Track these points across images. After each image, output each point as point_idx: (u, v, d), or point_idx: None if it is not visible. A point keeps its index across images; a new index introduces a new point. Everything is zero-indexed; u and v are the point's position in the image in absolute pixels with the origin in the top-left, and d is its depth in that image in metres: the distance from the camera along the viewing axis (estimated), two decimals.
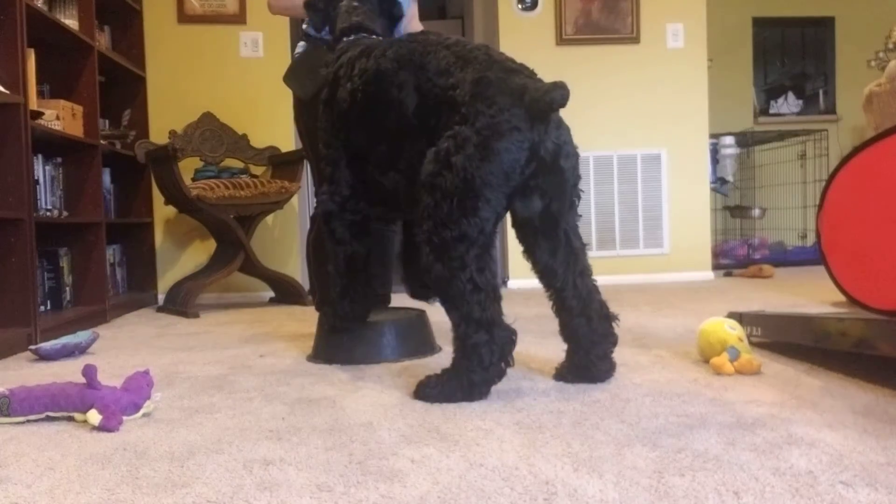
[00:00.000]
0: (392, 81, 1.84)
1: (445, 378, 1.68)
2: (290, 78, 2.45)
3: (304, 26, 2.48)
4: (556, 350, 2.28)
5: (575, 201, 1.78)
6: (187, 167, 3.86)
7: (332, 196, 2.06)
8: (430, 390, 1.68)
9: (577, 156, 1.77)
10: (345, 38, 2.10)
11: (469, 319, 1.63)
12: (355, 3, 2.15)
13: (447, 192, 1.63)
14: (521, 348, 2.33)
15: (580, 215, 1.83)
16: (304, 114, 2.48)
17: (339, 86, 1.98)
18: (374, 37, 2.09)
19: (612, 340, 1.83)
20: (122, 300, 3.73)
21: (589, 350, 1.80)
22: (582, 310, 1.79)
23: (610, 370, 1.85)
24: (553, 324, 2.69)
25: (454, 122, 1.67)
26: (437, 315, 2.91)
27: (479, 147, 1.61)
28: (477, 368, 1.63)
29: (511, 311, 3.23)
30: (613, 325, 1.84)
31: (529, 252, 1.82)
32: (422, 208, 1.67)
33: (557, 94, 1.62)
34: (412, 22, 2.57)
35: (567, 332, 1.83)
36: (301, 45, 2.51)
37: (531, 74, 1.75)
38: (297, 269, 4.22)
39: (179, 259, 4.25)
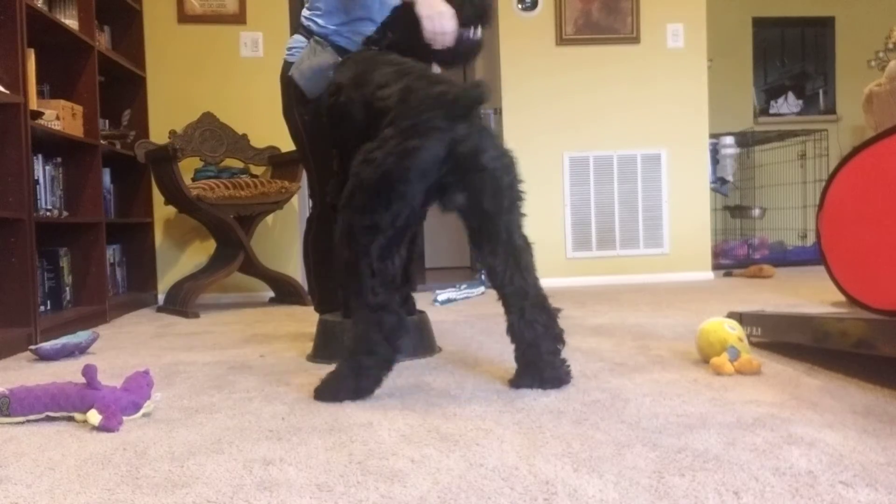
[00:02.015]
0: (349, 95, 2.03)
1: (339, 366, 1.74)
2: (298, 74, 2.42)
3: (304, 21, 2.45)
4: None
5: (516, 202, 1.82)
6: (187, 167, 3.86)
7: (334, 185, 2.20)
8: (322, 384, 1.74)
9: (506, 156, 1.80)
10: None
11: (364, 303, 1.71)
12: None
13: (365, 183, 1.72)
14: None
15: (524, 214, 1.84)
16: (305, 112, 2.46)
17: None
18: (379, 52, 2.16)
19: (553, 335, 1.79)
20: (122, 300, 3.73)
21: (530, 345, 1.78)
22: (519, 306, 1.79)
23: (558, 368, 1.78)
24: None
25: (384, 126, 1.80)
26: (438, 315, 2.91)
27: (399, 144, 1.70)
28: (364, 350, 1.69)
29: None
30: (556, 319, 1.81)
31: (476, 253, 1.87)
32: (342, 197, 1.78)
33: (477, 92, 1.71)
34: None
35: (509, 330, 1.82)
36: (298, 39, 2.47)
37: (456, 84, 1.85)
38: (297, 269, 4.22)
39: (179, 259, 4.25)
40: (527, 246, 1.84)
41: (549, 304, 1.82)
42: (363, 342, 1.71)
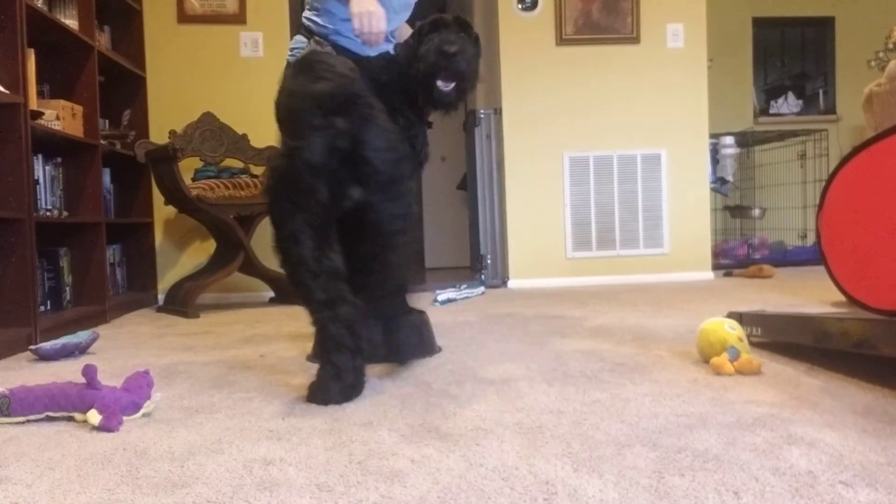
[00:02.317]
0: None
1: (319, 373, 1.75)
2: None
3: (305, 21, 2.45)
4: (556, 350, 2.28)
5: (400, 195, 1.84)
6: (187, 167, 3.86)
7: None
8: (311, 392, 1.74)
9: (391, 150, 1.82)
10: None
11: (316, 303, 1.74)
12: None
13: (271, 194, 1.80)
14: (522, 349, 2.33)
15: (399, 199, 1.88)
16: None
17: None
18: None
19: (412, 309, 1.92)
20: (122, 300, 3.73)
21: (395, 319, 1.92)
22: (382, 290, 1.91)
23: (430, 333, 1.92)
24: (554, 323, 2.70)
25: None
26: (438, 315, 2.91)
27: (285, 148, 1.78)
28: (333, 348, 1.71)
29: (511, 311, 3.24)
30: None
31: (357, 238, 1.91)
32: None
33: (347, 87, 1.78)
34: (402, 29, 2.56)
35: (379, 312, 1.92)
36: (299, 40, 2.46)
37: (341, 75, 1.86)
38: None
39: (179, 259, 4.25)
40: (398, 232, 1.88)
41: (404, 279, 1.98)
42: (329, 341, 1.72)
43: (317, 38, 2.37)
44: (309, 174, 1.74)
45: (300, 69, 1.97)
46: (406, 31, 2.50)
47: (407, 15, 2.51)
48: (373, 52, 2.33)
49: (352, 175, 1.78)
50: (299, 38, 2.45)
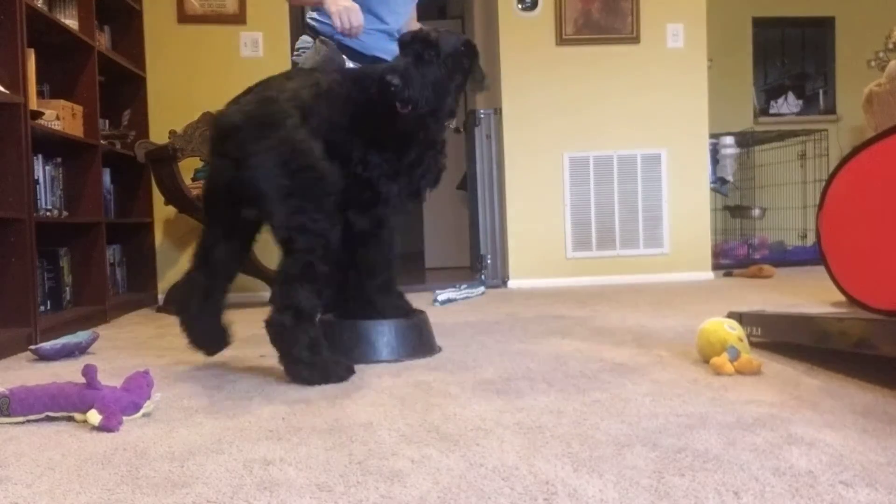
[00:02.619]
0: None
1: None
2: None
3: (309, 21, 2.45)
4: (556, 350, 2.28)
5: (303, 211, 1.92)
6: (187, 167, 3.86)
7: None
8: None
9: (282, 165, 1.90)
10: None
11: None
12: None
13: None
14: (522, 347, 2.33)
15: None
16: None
17: None
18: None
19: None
20: (122, 300, 3.73)
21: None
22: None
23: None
24: (554, 323, 2.70)
25: None
26: (437, 316, 2.91)
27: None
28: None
29: (511, 311, 3.24)
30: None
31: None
32: None
33: (219, 121, 1.98)
34: (410, 24, 2.56)
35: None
36: (305, 40, 2.47)
37: (262, 101, 1.98)
38: None
39: (179, 259, 4.24)
40: (309, 250, 1.96)
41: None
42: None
43: (321, 37, 2.38)
44: (211, 195, 2.04)
45: (253, 87, 2.06)
46: (413, 27, 2.50)
47: (410, 8, 2.51)
48: (383, 54, 2.33)
49: (245, 198, 1.95)
50: (305, 37, 2.46)
